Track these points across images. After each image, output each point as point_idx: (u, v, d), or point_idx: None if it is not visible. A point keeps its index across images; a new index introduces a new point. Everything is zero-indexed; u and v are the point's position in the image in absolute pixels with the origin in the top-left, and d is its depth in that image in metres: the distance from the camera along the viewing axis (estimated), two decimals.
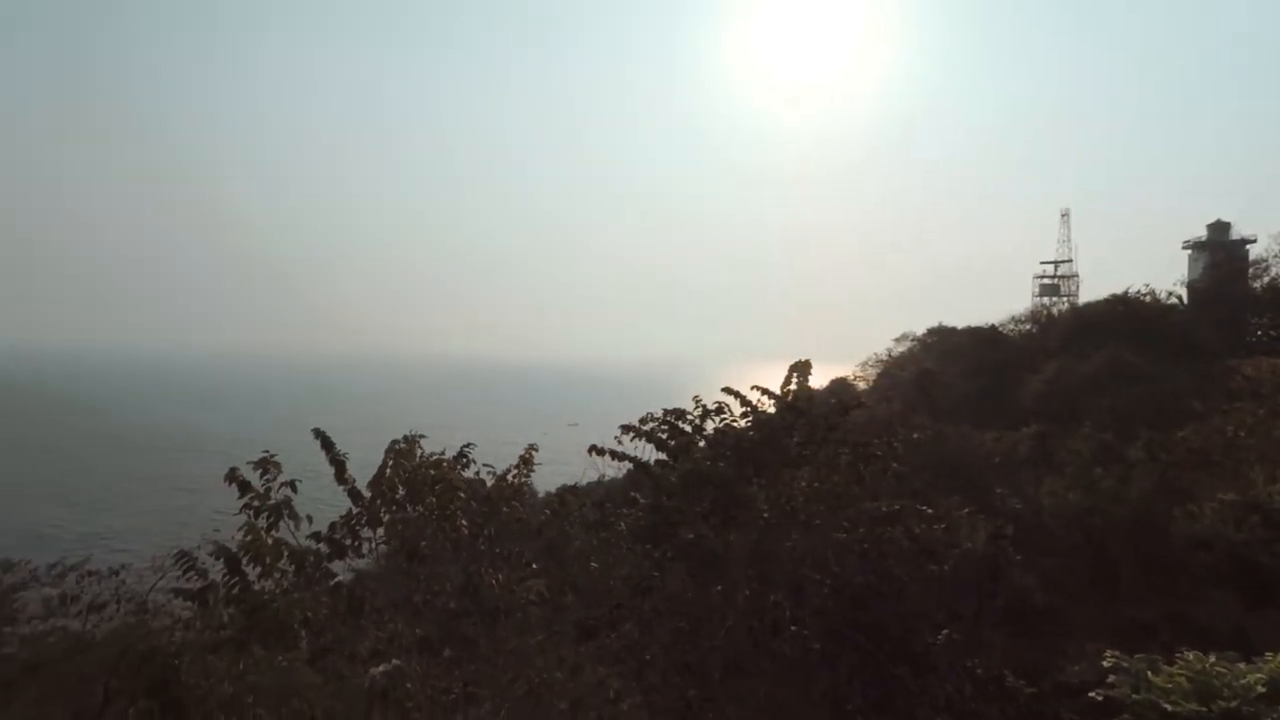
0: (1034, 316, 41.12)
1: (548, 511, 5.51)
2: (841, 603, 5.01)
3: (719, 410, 5.78)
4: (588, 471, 6.59)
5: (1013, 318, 39.90)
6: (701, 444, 5.75)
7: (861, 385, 34.25)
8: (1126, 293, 32.79)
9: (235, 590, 5.22)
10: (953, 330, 36.83)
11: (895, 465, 5.67)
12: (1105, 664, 4.38)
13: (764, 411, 5.73)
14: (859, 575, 4.92)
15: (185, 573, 5.34)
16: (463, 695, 4.92)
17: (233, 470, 5.07)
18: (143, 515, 45.69)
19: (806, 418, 5.45)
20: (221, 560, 5.32)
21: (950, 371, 29.68)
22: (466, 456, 5.71)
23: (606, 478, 6.36)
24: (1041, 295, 50.88)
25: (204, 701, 6.36)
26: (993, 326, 36.69)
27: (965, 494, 10.77)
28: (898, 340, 40.51)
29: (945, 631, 4.83)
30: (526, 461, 5.66)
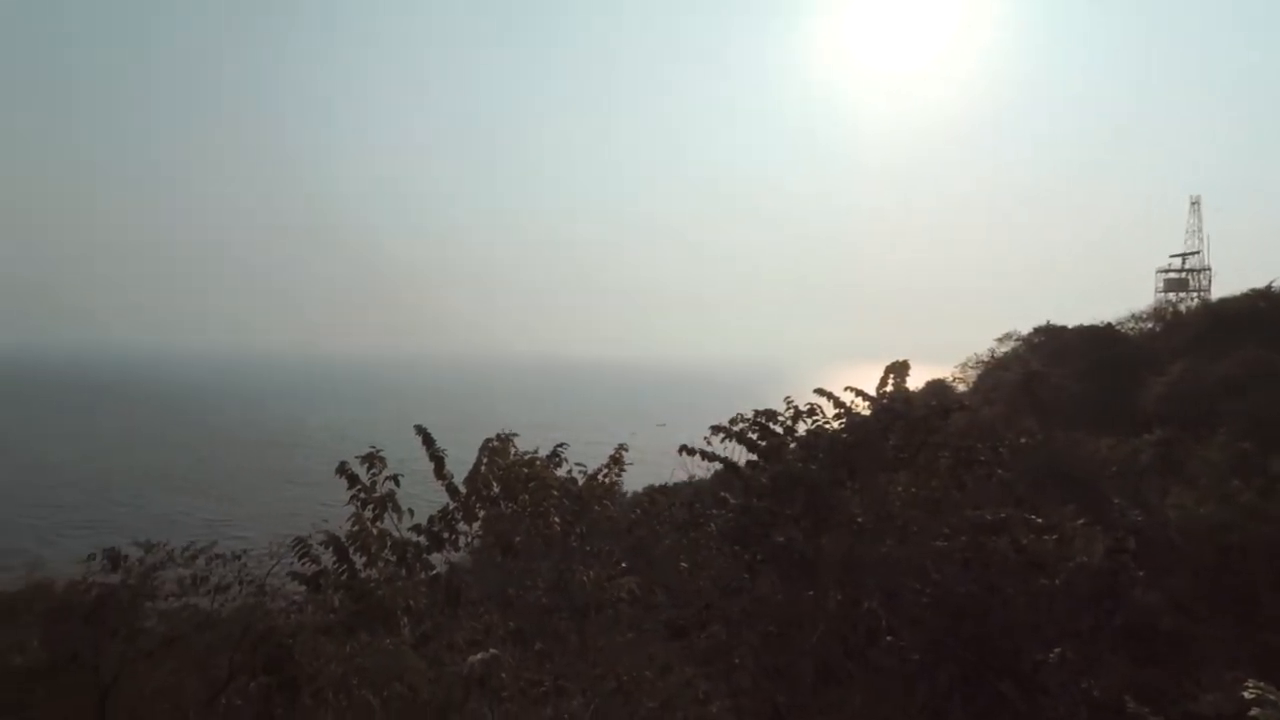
0: (1157, 314, 37.96)
1: (638, 511, 5.55)
2: (942, 613, 4.77)
3: (811, 412, 5.64)
4: (676, 472, 6.59)
5: (1132, 315, 36.98)
6: (792, 446, 5.63)
7: (961, 387, 32.44)
8: (1269, 287, 29.75)
9: (344, 577, 5.53)
10: (1062, 329, 34.52)
11: (1000, 471, 5.35)
12: (1246, 695, 3.96)
13: (858, 413, 5.55)
14: (960, 585, 4.67)
15: (300, 559, 5.71)
16: (553, 688, 5.01)
17: (342, 464, 5.37)
18: (259, 505, 49.31)
19: (904, 420, 5.23)
20: (331, 548, 5.65)
21: (1059, 373, 27.82)
22: (559, 455, 5.84)
23: (696, 478, 6.34)
24: (1166, 290, 46.79)
25: (314, 680, 6.78)
26: (1108, 325, 34.15)
27: (1078, 504, 10.05)
28: (1000, 340, 38.26)
29: (1058, 650, 4.50)
30: (617, 461, 5.72)
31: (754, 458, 5.79)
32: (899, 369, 5.45)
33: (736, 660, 5.49)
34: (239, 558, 7.37)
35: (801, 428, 5.71)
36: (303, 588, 5.90)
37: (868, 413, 5.58)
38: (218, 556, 7.25)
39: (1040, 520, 4.86)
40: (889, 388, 5.54)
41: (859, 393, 5.59)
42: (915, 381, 5.86)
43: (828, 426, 5.59)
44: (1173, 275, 48.52)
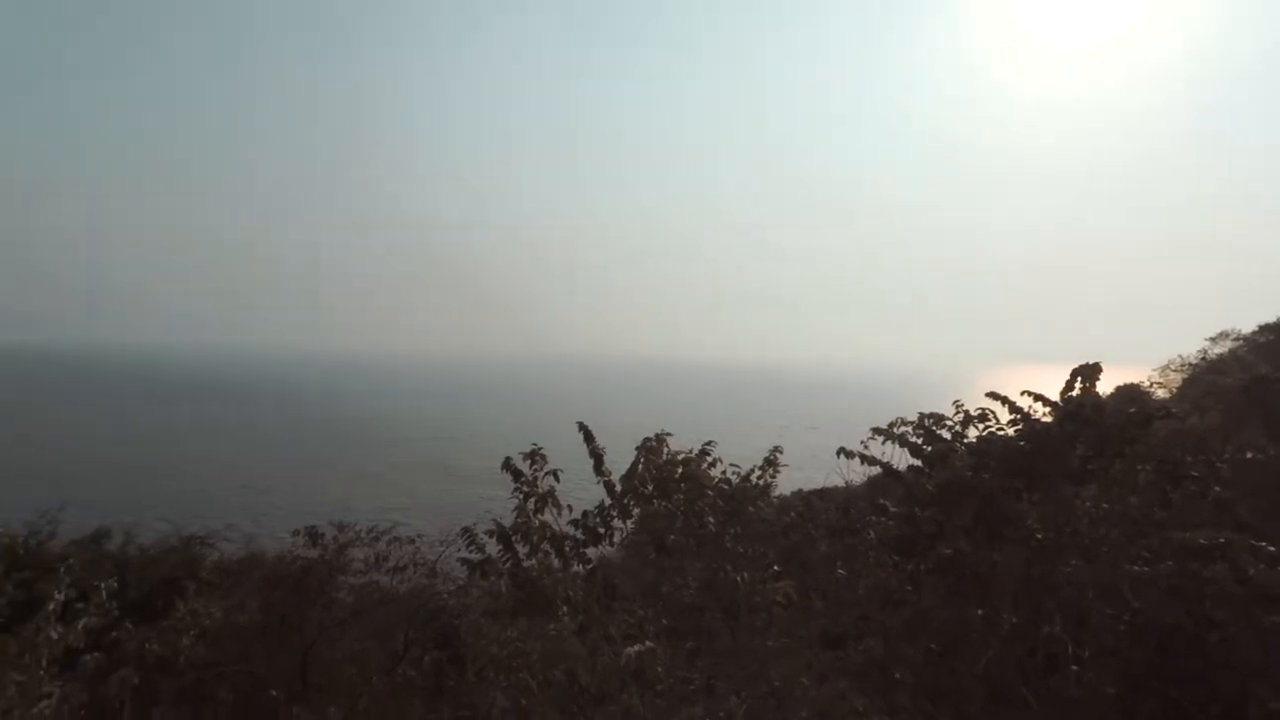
0: None
1: (792, 514, 5.45)
2: (1142, 644, 4.26)
3: (983, 417, 5.25)
4: (830, 476, 6.40)
5: None
6: (960, 452, 5.27)
7: (1160, 393, 28.50)
8: None
9: (508, 565, 5.87)
10: None
11: (1217, 489, 4.69)
12: None
13: (1038, 420, 5.09)
14: (1166, 615, 4.14)
15: (468, 546, 6.12)
16: (704, 686, 5.03)
17: (507, 460, 5.72)
18: (423, 496, 53.70)
19: (1096, 428, 4.73)
20: (495, 538, 6.02)
21: None
22: (709, 455, 5.88)
23: (852, 483, 6.12)
24: None
25: (478, 659, 7.26)
26: None
27: None
28: (1214, 339, 33.16)
29: None
30: (771, 463, 5.67)
31: (917, 463, 5.48)
32: (1089, 372, 4.93)
33: (896, 676, 5.23)
34: (413, 541, 8.06)
35: (972, 433, 5.33)
36: (471, 572, 6.32)
37: (1049, 419, 5.10)
38: (396, 539, 7.97)
39: (1272, 549, 4.20)
40: (1076, 392, 5.03)
41: (1039, 397, 5.12)
42: (1100, 386, 5.28)
43: (1001, 433, 5.17)
44: None
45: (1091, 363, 4.92)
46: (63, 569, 6.29)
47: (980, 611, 4.99)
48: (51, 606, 5.45)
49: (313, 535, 7.62)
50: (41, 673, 5.21)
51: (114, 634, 6.82)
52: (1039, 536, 4.83)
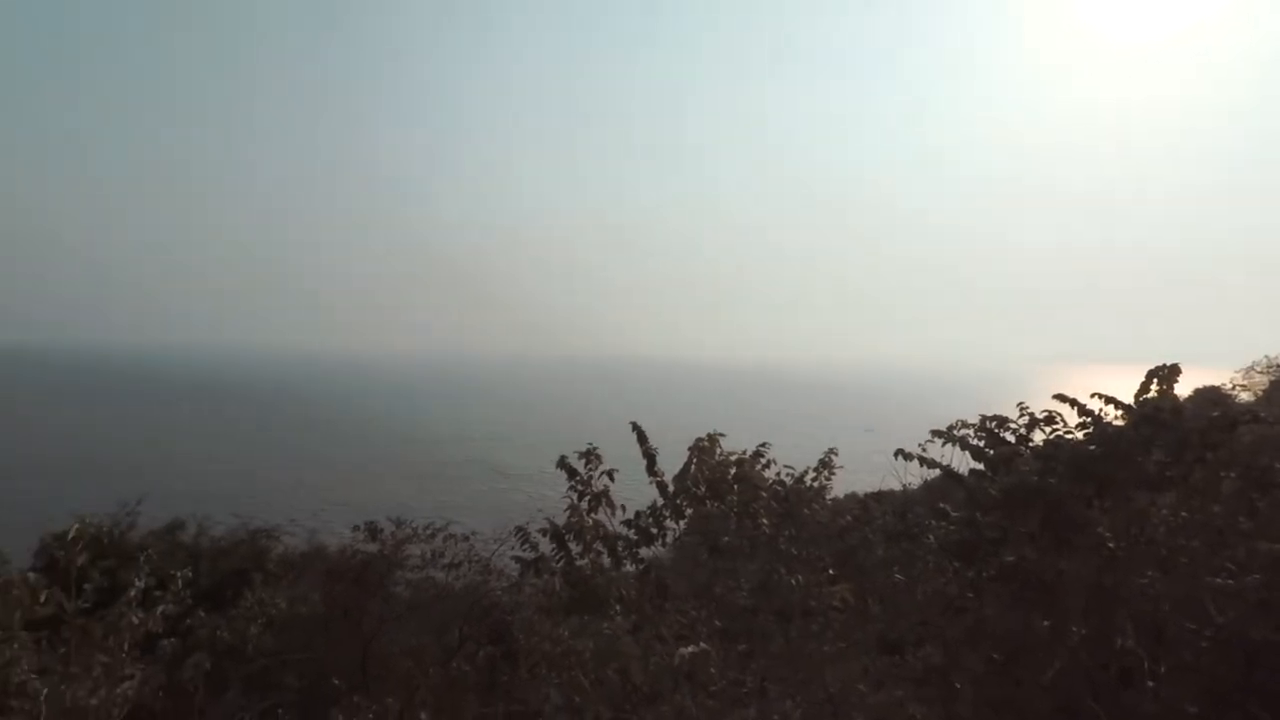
0: None
1: (848, 517, 5.37)
2: (1227, 660, 4.03)
3: (1050, 419, 5.05)
4: (886, 479, 6.27)
5: None
6: (1025, 455, 5.09)
7: (1244, 395, 26.75)
8: None
9: (560, 564, 5.93)
10: None
11: None
12: None
13: (1109, 423, 4.87)
14: (1254, 630, 3.91)
15: (522, 544, 6.20)
16: (757, 689, 4.99)
17: (562, 458, 5.78)
18: (474, 494, 54.80)
19: (1174, 432, 4.50)
20: (548, 536, 6.08)
21: None
22: (763, 456, 5.84)
23: (909, 487, 5.98)
24: None
25: (531, 655, 7.35)
26: None
27: None
28: None
29: None
30: (826, 465, 5.59)
31: (978, 466, 5.32)
32: (1166, 374, 4.70)
33: (956, 685, 5.09)
34: (468, 539, 8.22)
35: (1038, 437, 5.13)
36: (524, 570, 6.40)
37: (1121, 423, 4.87)
38: (451, 536, 8.15)
39: None
40: (1152, 393, 4.80)
41: (1110, 399, 4.90)
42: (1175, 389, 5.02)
43: (1070, 436, 4.96)
44: None
45: (1170, 364, 4.69)
46: (142, 558, 6.62)
47: (1047, 621, 4.80)
48: (133, 593, 5.75)
49: (372, 531, 7.85)
50: (124, 655, 5.50)
51: (188, 621, 7.15)
52: (1110, 545, 4.63)
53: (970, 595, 4.97)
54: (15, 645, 5.27)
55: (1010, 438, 5.22)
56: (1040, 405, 5.18)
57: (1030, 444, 5.16)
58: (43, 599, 5.25)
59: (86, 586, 5.42)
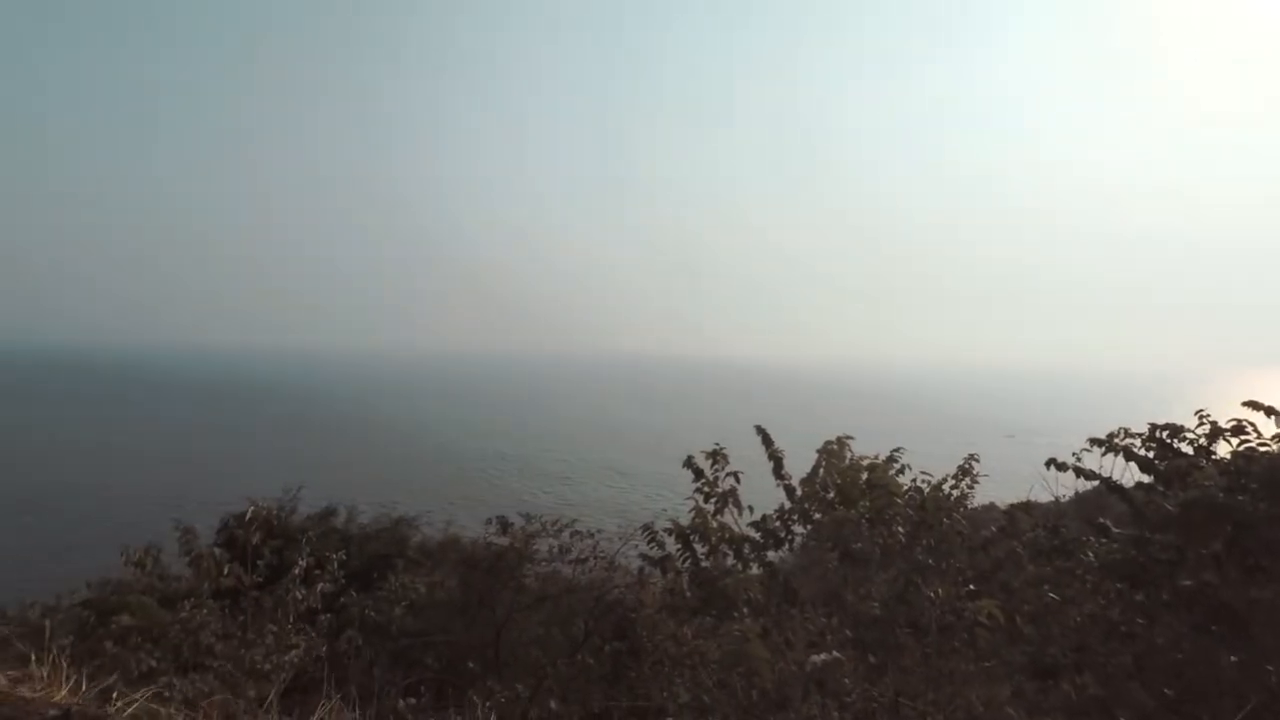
0: None
1: (993, 529, 5.03)
2: None
3: (1238, 429, 4.49)
4: (1035, 490, 5.83)
5: None
6: (1206, 469, 4.54)
7: None
8: None
9: (686, 564, 5.94)
10: None
11: None
12: None
13: None
14: None
15: (649, 543, 6.27)
16: (891, 703, 4.77)
17: (689, 458, 5.78)
18: (592, 491, 56.24)
19: None
20: (673, 536, 6.11)
21: None
22: (897, 461, 5.59)
23: (1061, 499, 5.52)
24: None
25: (654, 653, 7.41)
26: None
27: None
28: None
29: None
30: (966, 472, 5.28)
31: (1146, 479, 4.81)
32: None
33: (1120, 719, 4.63)
34: (593, 536, 8.45)
35: (1222, 448, 4.57)
36: (651, 569, 6.46)
37: None
38: (577, 533, 8.41)
39: None
40: None
41: None
42: None
43: (1264, 449, 4.38)
44: None
45: None
46: (304, 540, 7.29)
47: (1235, 657, 4.28)
48: (296, 571, 6.37)
49: (503, 524, 8.24)
50: (290, 626, 6.09)
51: (341, 599, 7.79)
52: None
53: (1139, 621, 4.50)
54: (204, 611, 5.98)
55: (1187, 448, 4.69)
56: (1219, 412, 4.61)
57: (1212, 456, 4.60)
58: (225, 571, 5.93)
59: (260, 562, 6.06)
